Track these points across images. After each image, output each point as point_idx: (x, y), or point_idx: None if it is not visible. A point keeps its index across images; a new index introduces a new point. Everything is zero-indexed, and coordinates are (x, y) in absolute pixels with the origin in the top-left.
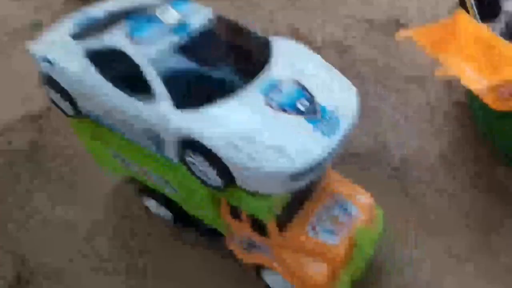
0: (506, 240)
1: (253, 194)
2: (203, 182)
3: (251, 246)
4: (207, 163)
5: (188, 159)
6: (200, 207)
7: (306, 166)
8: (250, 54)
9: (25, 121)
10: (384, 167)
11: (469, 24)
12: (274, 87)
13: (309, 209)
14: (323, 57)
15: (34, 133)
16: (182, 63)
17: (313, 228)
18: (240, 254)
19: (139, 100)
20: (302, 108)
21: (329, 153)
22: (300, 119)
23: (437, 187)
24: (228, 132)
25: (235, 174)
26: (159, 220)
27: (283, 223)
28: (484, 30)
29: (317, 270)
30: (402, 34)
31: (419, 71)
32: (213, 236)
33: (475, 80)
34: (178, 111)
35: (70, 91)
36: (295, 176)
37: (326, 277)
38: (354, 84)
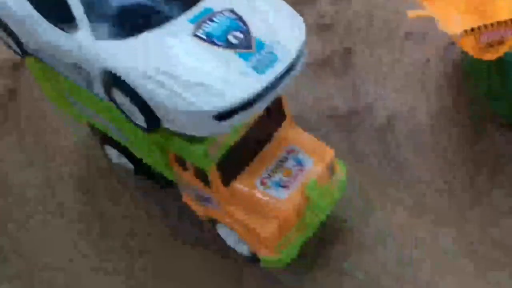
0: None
1: (187, 137)
2: (134, 123)
3: (200, 197)
4: (128, 100)
5: (114, 96)
6: (149, 154)
7: (232, 105)
8: None
9: (4, 68)
10: (367, 129)
11: None
12: (206, 17)
13: (261, 161)
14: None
15: (10, 81)
16: None
17: (263, 181)
18: (193, 206)
19: (64, 30)
20: (234, 41)
21: (261, 92)
22: (230, 52)
23: (424, 155)
24: (147, 65)
25: (157, 113)
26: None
27: (230, 174)
28: None
29: (265, 225)
30: None
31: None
32: (172, 187)
33: (456, 22)
34: (98, 41)
35: (10, 26)
36: (221, 116)
37: (274, 232)
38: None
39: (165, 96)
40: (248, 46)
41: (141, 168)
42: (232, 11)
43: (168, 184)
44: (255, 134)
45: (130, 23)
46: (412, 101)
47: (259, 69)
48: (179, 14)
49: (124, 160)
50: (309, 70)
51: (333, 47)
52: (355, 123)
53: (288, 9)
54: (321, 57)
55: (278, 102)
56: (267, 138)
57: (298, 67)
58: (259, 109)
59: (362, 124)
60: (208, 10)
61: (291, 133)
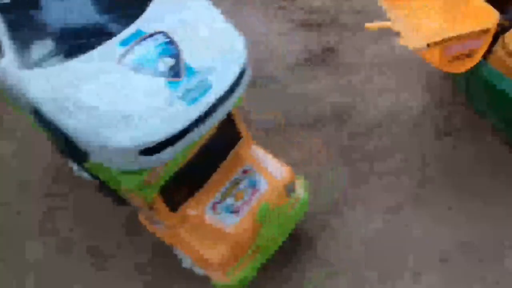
0: None
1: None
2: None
3: (152, 220)
4: (49, 131)
5: (41, 124)
6: (99, 171)
7: (156, 140)
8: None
9: None
10: (346, 132)
11: None
12: (136, 40)
13: (214, 184)
14: None
15: None
16: (53, 10)
17: (214, 206)
18: (148, 226)
19: None
20: (162, 68)
21: (193, 123)
22: (158, 81)
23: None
24: (66, 96)
25: (80, 146)
26: None
27: (178, 199)
28: None
29: (214, 251)
30: None
31: None
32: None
33: (418, 36)
34: (22, 70)
35: None
36: (146, 151)
37: (223, 259)
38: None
39: (84, 130)
40: (178, 74)
41: (104, 185)
42: (164, 33)
43: (124, 202)
44: (205, 156)
45: (55, 51)
46: (405, 98)
47: (189, 99)
48: (109, 38)
49: (84, 174)
50: (296, 70)
51: (317, 44)
52: (344, 122)
53: (228, 28)
54: (306, 55)
55: (230, 122)
56: (221, 159)
57: (240, 90)
58: (192, 140)
59: (351, 123)
60: (140, 33)
61: (246, 153)
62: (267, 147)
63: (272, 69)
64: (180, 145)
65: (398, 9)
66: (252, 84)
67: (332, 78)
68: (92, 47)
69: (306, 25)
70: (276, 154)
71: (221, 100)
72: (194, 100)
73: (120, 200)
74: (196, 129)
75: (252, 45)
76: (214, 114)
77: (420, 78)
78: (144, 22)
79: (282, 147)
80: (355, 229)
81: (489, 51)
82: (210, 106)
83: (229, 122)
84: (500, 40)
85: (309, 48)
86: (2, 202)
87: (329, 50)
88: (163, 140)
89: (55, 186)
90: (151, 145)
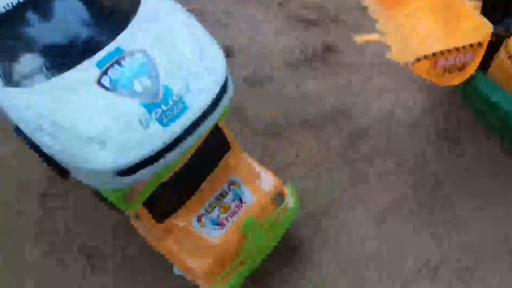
0: None
1: None
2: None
3: (142, 226)
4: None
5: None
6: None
7: (130, 162)
8: (113, 16)
9: None
10: (338, 137)
11: None
12: (115, 59)
13: (201, 196)
14: None
15: None
16: (38, 28)
17: (200, 218)
18: (139, 230)
19: None
20: (139, 89)
21: (167, 146)
22: (134, 102)
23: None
24: (43, 117)
25: (61, 164)
26: None
27: (165, 211)
28: None
29: (200, 262)
30: None
31: None
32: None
33: (409, 49)
34: (6, 88)
35: None
36: (123, 172)
37: (207, 271)
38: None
39: (60, 151)
40: (155, 95)
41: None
42: (143, 52)
43: (115, 208)
44: (192, 168)
45: (36, 69)
46: (405, 99)
47: (164, 121)
48: (89, 56)
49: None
50: (295, 69)
51: (317, 43)
52: (344, 122)
53: (209, 46)
54: (303, 55)
55: (218, 134)
56: (208, 170)
57: (220, 108)
58: (170, 161)
59: (351, 123)
60: (118, 51)
61: (234, 164)
62: (266, 147)
63: (271, 68)
64: (157, 165)
65: (390, 19)
66: (252, 83)
67: (331, 78)
68: (72, 65)
69: (306, 24)
70: (275, 154)
71: (198, 121)
72: (170, 122)
73: (112, 206)
74: (173, 150)
75: (251, 44)
76: (192, 134)
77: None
78: (124, 40)
79: (282, 147)
80: (355, 229)
81: (491, 58)
82: (187, 128)
83: (216, 133)
84: (503, 45)
85: (309, 47)
86: (2, 202)
87: (329, 50)
88: (138, 162)
89: (55, 186)
90: (125, 167)
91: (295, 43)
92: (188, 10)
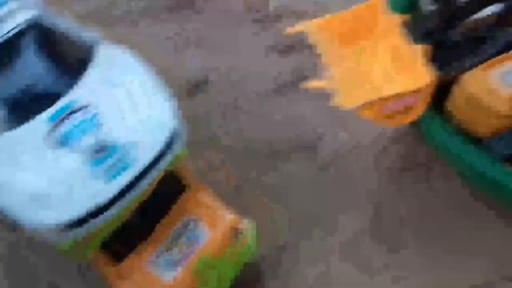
0: None
1: None
2: None
3: None
4: None
5: None
6: None
7: (72, 218)
8: (68, 68)
9: None
10: (310, 166)
11: (382, 14)
12: (66, 113)
13: (157, 237)
14: None
15: None
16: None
17: (155, 259)
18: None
19: None
20: (86, 144)
21: (110, 201)
22: (79, 158)
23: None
24: None
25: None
26: None
27: (119, 254)
28: (394, 23)
29: None
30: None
31: None
32: None
33: (354, 95)
34: None
35: None
36: (67, 227)
37: None
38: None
39: (5, 207)
40: (100, 150)
41: None
42: (92, 105)
43: None
44: (147, 210)
45: None
46: (371, 129)
47: (108, 176)
48: (41, 110)
49: None
50: (271, 95)
51: (297, 68)
52: (318, 149)
53: (160, 99)
54: (284, 80)
55: (171, 178)
56: (164, 212)
57: (167, 159)
58: (115, 213)
59: (325, 149)
60: (70, 105)
61: (191, 204)
62: (241, 174)
63: (248, 93)
64: (102, 218)
65: (342, 62)
66: (233, 107)
67: (310, 104)
68: (25, 120)
69: (281, 52)
70: (252, 180)
71: (141, 175)
72: (114, 177)
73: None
74: (117, 203)
75: (228, 70)
76: (135, 188)
77: None
78: (76, 94)
79: (258, 175)
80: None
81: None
82: (130, 182)
83: (170, 177)
84: (457, 84)
85: (287, 73)
86: None
87: (305, 77)
88: (81, 217)
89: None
90: (67, 223)
91: (273, 69)
92: (165, 37)
